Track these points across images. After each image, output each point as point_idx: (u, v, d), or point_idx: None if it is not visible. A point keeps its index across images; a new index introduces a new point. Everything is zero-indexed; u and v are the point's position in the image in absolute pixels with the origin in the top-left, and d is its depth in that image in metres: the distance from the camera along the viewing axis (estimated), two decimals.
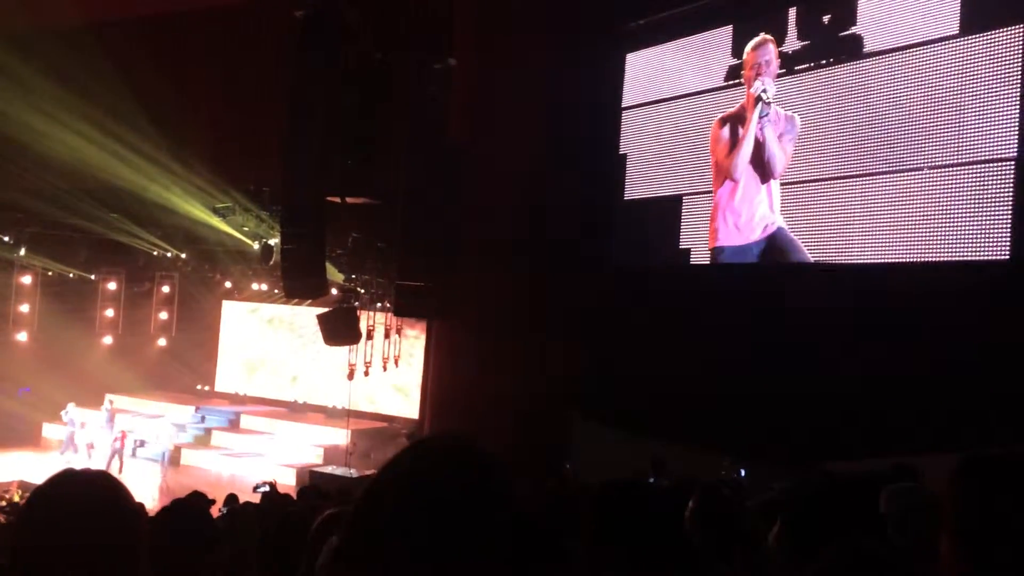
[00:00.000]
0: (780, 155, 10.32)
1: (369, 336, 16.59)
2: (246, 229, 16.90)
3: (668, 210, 11.57)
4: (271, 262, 16.15)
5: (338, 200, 12.96)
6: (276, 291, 18.67)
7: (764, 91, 10.38)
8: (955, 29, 8.63)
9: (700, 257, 11.12)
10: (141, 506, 1.93)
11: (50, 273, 19.02)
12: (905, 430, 8.12)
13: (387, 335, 17.49)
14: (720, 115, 11.02)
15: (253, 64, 16.06)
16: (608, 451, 10.51)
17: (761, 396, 9.54)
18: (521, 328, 12.12)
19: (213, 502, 6.44)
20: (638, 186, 12.06)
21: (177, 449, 18.36)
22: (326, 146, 12.58)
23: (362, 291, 16.64)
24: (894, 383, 8.43)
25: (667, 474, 8.12)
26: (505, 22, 12.68)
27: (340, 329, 14.51)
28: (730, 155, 10.84)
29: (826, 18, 10.00)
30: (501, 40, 12.68)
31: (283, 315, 21.75)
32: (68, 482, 1.66)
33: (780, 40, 10.41)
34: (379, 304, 17.08)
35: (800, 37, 10.25)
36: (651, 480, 7.68)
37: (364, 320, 16.11)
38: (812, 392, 9.04)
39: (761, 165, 10.53)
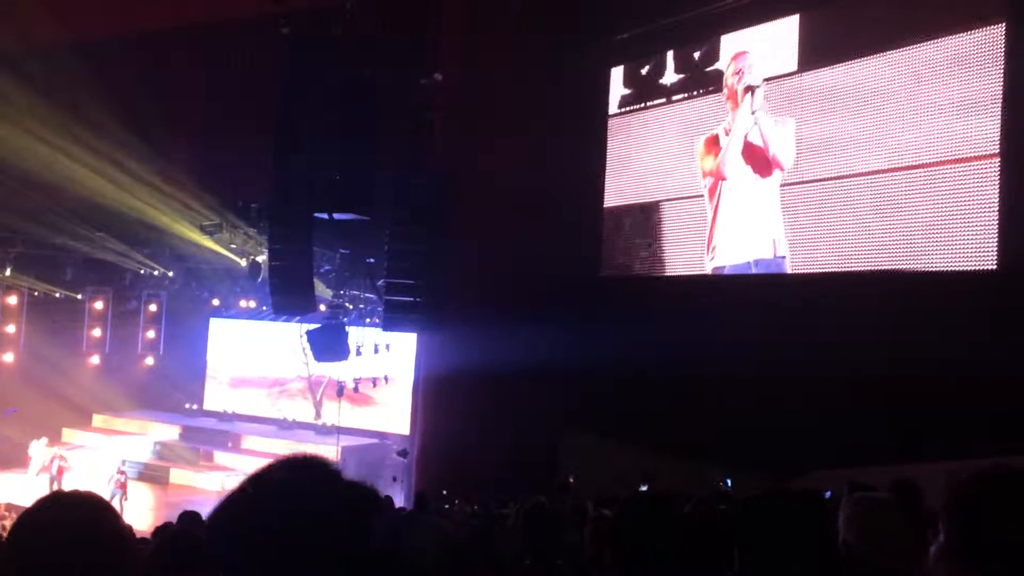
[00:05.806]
0: (784, 152, 10.04)
1: (358, 352, 16.52)
2: (234, 246, 16.85)
3: (656, 218, 11.59)
4: (259, 279, 16.09)
5: (326, 216, 12.96)
6: (264, 308, 18.58)
7: (754, 84, 10.26)
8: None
9: (691, 267, 11.12)
10: (129, 528, 1.91)
11: (36, 293, 18.90)
12: (893, 441, 8.14)
13: (376, 351, 17.40)
14: (706, 132, 10.97)
15: (240, 81, 16.07)
16: (601, 463, 10.49)
17: (749, 406, 9.55)
18: (513, 341, 12.08)
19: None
20: (626, 194, 12.08)
21: (164, 469, 18.23)
22: (314, 163, 12.59)
23: (350, 307, 16.59)
24: (879, 395, 8.45)
25: (657, 486, 8.14)
26: (490, 38, 12.73)
27: (329, 345, 14.47)
28: (722, 162, 10.75)
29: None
30: (486, 55, 12.72)
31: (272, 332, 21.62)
32: (54, 506, 1.64)
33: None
34: (368, 320, 17.02)
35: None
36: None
37: (353, 336, 16.04)
38: (799, 403, 9.05)
39: (761, 167, 10.32)
